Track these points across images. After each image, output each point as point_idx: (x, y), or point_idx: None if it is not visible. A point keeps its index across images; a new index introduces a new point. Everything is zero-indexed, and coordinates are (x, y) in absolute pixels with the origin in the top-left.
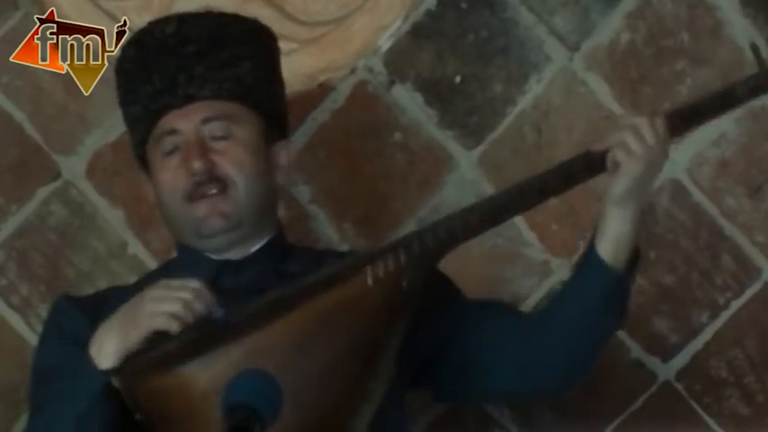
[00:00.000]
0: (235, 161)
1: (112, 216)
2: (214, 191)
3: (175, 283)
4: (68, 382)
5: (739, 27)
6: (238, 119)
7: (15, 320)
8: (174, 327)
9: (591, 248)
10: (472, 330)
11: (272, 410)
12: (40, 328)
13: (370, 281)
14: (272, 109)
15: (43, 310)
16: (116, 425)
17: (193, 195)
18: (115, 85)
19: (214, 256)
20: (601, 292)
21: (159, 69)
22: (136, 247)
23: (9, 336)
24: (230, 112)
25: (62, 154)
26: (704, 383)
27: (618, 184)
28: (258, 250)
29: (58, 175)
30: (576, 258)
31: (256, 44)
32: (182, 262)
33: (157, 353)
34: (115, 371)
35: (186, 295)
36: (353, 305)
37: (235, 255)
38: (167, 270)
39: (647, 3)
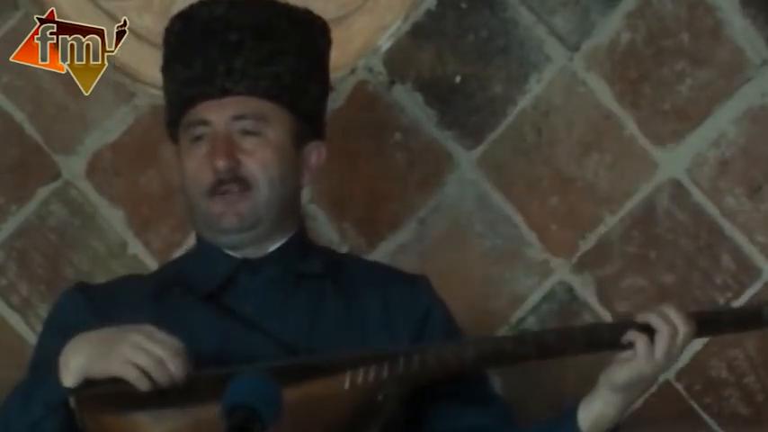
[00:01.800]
0: (260, 162)
1: (112, 216)
2: (235, 189)
3: (160, 336)
4: (32, 387)
5: (739, 27)
6: (271, 118)
7: (15, 320)
8: (142, 385)
9: (573, 412)
10: (454, 414)
11: (273, 410)
12: (40, 328)
13: (346, 385)
14: (308, 109)
15: (43, 310)
16: None
17: (214, 192)
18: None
19: (232, 253)
20: None
21: (200, 54)
22: (136, 247)
23: (9, 336)
24: (263, 110)
25: (62, 154)
26: (704, 383)
27: (621, 373)
28: (277, 249)
29: (58, 175)
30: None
31: (303, 37)
32: (201, 256)
33: (119, 390)
34: (74, 391)
35: (164, 354)
36: (324, 403)
37: (253, 253)
38: (186, 263)
39: (647, 3)
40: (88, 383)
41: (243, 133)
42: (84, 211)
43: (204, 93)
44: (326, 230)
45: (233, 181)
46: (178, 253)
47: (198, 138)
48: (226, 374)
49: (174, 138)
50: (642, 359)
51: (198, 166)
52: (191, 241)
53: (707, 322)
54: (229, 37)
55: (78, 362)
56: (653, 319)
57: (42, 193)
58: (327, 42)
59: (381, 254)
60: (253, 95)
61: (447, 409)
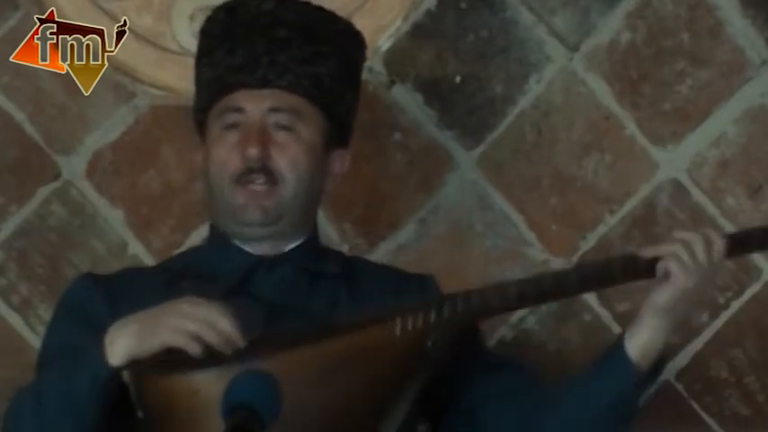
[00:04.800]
0: (291, 158)
1: (112, 216)
2: (262, 181)
3: (204, 302)
4: (73, 365)
5: (739, 27)
6: (306, 117)
7: (15, 320)
8: (195, 349)
9: (619, 346)
10: (485, 385)
11: (273, 410)
12: (40, 328)
13: (397, 331)
14: (340, 114)
15: (43, 311)
16: (108, 418)
17: (241, 180)
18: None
19: (247, 249)
20: (619, 388)
21: (244, 45)
22: (136, 247)
23: (9, 336)
24: (300, 108)
25: (62, 154)
26: (704, 383)
27: (662, 294)
28: (293, 249)
29: (58, 175)
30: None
31: (343, 46)
32: (215, 251)
33: (172, 359)
34: (126, 366)
35: (211, 316)
36: (377, 352)
37: (269, 250)
38: (199, 255)
39: (647, 3)
40: (135, 363)
41: (277, 127)
42: (84, 211)
43: (244, 81)
44: (326, 230)
45: (261, 171)
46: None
47: (230, 126)
48: (285, 332)
49: (200, 125)
50: (679, 275)
51: (227, 153)
52: (191, 241)
53: (737, 240)
54: (278, 33)
55: (125, 342)
56: (683, 235)
57: (42, 193)
58: (363, 56)
59: (381, 254)
60: (292, 92)
61: (483, 379)
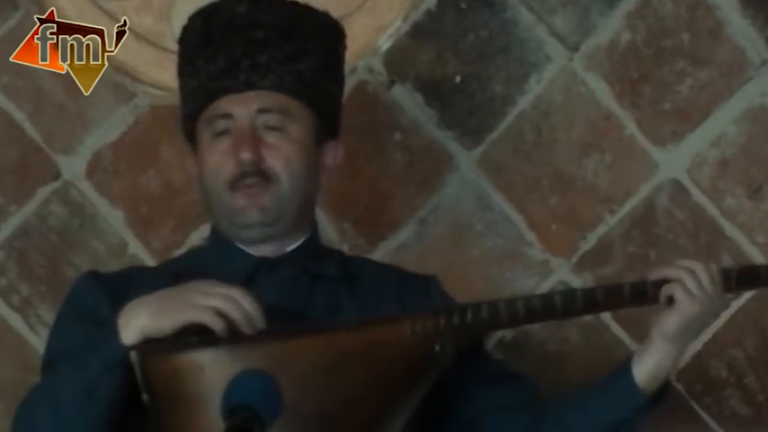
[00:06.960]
0: (284, 158)
1: (112, 216)
2: (257, 183)
3: (224, 283)
4: (84, 354)
5: (739, 27)
6: (294, 114)
7: (15, 320)
8: (218, 325)
9: (626, 369)
10: (488, 398)
11: (272, 410)
12: (40, 328)
13: (407, 332)
14: (327, 108)
15: (43, 311)
16: (121, 402)
17: (237, 184)
18: (177, 54)
19: (250, 251)
20: (623, 411)
21: (224, 50)
22: (136, 247)
23: (9, 336)
24: (287, 106)
25: (62, 154)
26: (704, 383)
27: (671, 320)
28: (294, 250)
29: (58, 175)
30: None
31: (323, 40)
32: (217, 253)
33: (182, 341)
34: (135, 347)
35: (235, 293)
36: (386, 349)
37: (270, 251)
38: (201, 257)
39: (647, 3)
40: (147, 342)
41: (266, 128)
42: (84, 211)
43: (228, 86)
44: (326, 230)
45: (256, 174)
46: (178, 253)
47: (221, 133)
48: (291, 329)
49: (189, 133)
50: (685, 299)
51: (220, 159)
52: (191, 241)
53: (743, 275)
54: (255, 34)
55: (140, 321)
56: (668, 271)
57: (42, 193)
58: (344, 45)
59: (381, 254)
60: (277, 91)
61: (480, 392)
